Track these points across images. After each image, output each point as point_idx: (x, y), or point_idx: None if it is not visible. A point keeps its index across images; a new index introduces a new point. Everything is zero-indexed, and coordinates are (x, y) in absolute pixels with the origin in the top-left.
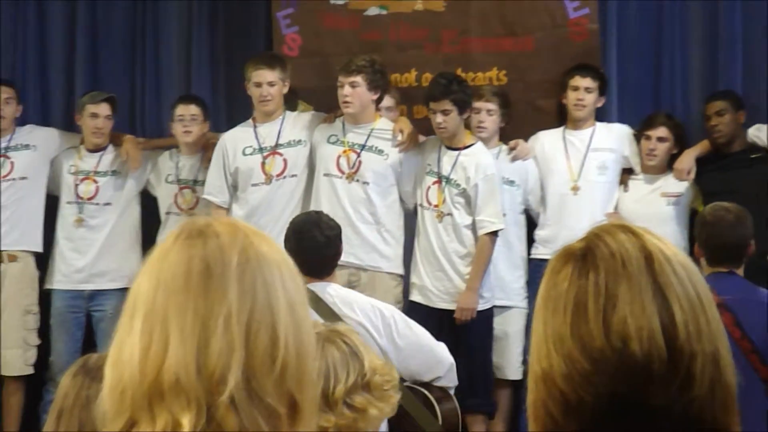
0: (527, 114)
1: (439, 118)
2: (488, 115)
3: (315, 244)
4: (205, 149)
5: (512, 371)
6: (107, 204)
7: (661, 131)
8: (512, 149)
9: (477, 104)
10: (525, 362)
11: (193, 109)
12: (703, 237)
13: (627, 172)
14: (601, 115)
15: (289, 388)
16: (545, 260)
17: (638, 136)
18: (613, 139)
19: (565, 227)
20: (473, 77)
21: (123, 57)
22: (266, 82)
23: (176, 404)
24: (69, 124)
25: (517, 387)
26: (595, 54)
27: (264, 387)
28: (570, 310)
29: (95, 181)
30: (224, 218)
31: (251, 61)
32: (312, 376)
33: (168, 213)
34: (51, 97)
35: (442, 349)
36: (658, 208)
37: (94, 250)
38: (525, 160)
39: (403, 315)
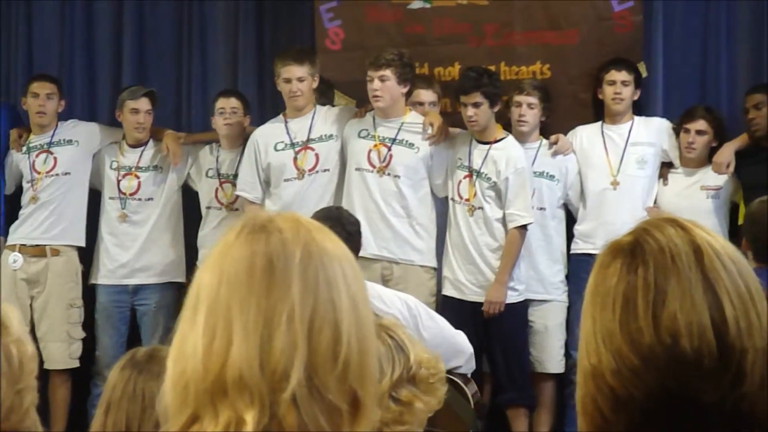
0: (571, 108)
1: (469, 111)
2: (529, 108)
3: None
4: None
5: (553, 365)
6: (149, 199)
7: (700, 124)
8: (553, 144)
9: (518, 98)
10: (566, 356)
11: (233, 103)
12: (752, 232)
13: (666, 166)
14: (646, 109)
15: (351, 384)
16: (585, 255)
17: (677, 130)
18: (651, 133)
19: (605, 222)
20: (516, 71)
21: (169, 53)
22: (295, 77)
23: (240, 401)
24: (116, 120)
25: (561, 380)
26: (637, 46)
27: (326, 384)
28: (619, 305)
29: (137, 177)
30: (287, 213)
31: (279, 57)
32: (374, 372)
33: (208, 207)
34: (98, 93)
35: (462, 338)
36: (697, 202)
37: (137, 245)
38: (566, 155)
39: (425, 306)
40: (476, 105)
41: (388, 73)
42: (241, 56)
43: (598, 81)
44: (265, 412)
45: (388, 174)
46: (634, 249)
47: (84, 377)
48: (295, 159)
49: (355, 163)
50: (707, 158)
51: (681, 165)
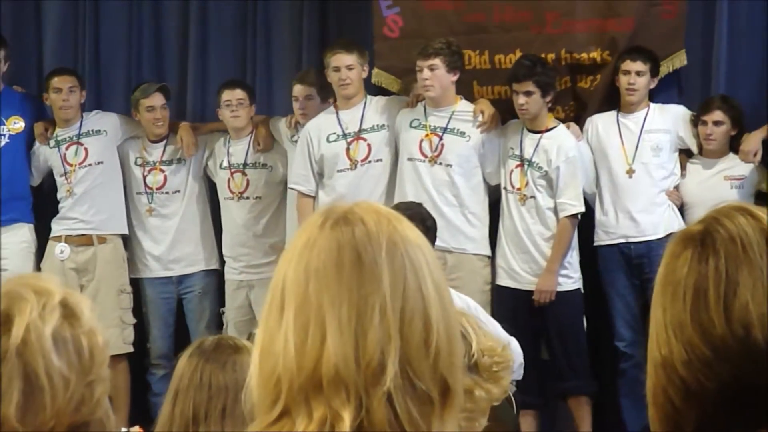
0: (612, 93)
1: (521, 100)
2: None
3: None
4: (254, 132)
5: None
6: (176, 192)
7: (717, 115)
8: None
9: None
10: (614, 349)
11: (238, 94)
12: None
13: (684, 153)
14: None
15: (442, 372)
16: (611, 246)
17: (695, 121)
18: (667, 120)
19: (622, 210)
20: (577, 58)
21: (234, 45)
22: (344, 65)
23: (336, 398)
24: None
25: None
26: (679, 34)
27: (419, 373)
28: (690, 296)
29: (162, 171)
30: (364, 203)
31: (329, 47)
32: (461, 359)
33: (225, 198)
34: None
35: (514, 345)
36: (722, 192)
37: (169, 238)
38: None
39: (482, 310)
40: (528, 93)
41: (437, 62)
42: (305, 51)
43: (616, 69)
44: (361, 407)
45: (440, 163)
46: (704, 238)
47: (141, 369)
48: (348, 149)
49: (407, 153)
50: (728, 147)
51: (701, 155)
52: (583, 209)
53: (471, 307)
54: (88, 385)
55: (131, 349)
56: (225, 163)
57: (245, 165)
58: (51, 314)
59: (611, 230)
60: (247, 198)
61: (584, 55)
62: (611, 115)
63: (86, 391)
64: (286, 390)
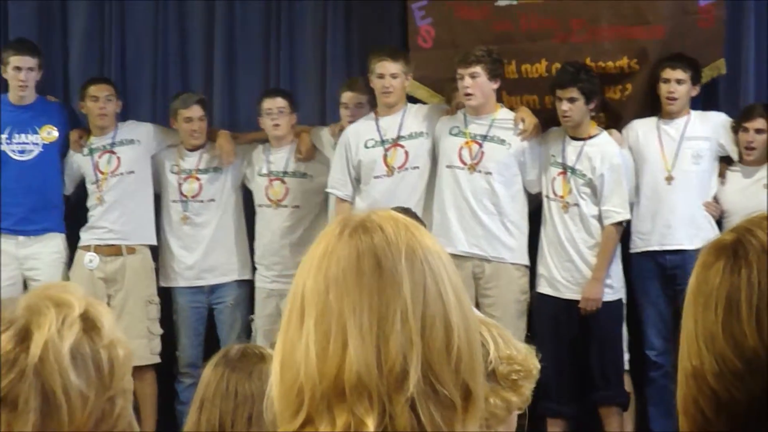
0: (648, 102)
1: (564, 106)
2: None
3: None
4: (295, 141)
5: None
6: (211, 200)
7: (759, 123)
8: None
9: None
10: (628, 351)
11: (279, 102)
12: None
13: (724, 161)
14: (735, 105)
15: (464, 377)
16: (646, 253)
17: (736, 128)
18: (708, 128)
19: (660, 218)
20: (603, 66)
21: (259, 53)
22: (389, 73)
23: (359, 405)
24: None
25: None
26: (718, 42)
27: (442, 378)
28: (722, 307)
29: (198, 179)
30: (381, 211)
31: (374, 53)
32: (481, 363)
33: (260, 206)
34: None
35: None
36: (761, 200)
37: (203, 247)
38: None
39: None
40: (571, 100)
41: (478, 69)
42: (329, 56)
43: (656, 77)
44: (385, 413)
45: (480, 171)
46: (736, 248)
47: (169, 377)
48: (385, 156)
49: (447, 161)
50: None
51: (741, 163)
52: (629, 216)
53: None
54: (108, 400)
55: (158, 360)
56: (264, 170)
57: (285, 173)
58: (70, 329)
59: (647, 238)
60: (285, 206)
61: (610, 64)
62: (651, 121)
63: (106, 407)
64: (309, 398)
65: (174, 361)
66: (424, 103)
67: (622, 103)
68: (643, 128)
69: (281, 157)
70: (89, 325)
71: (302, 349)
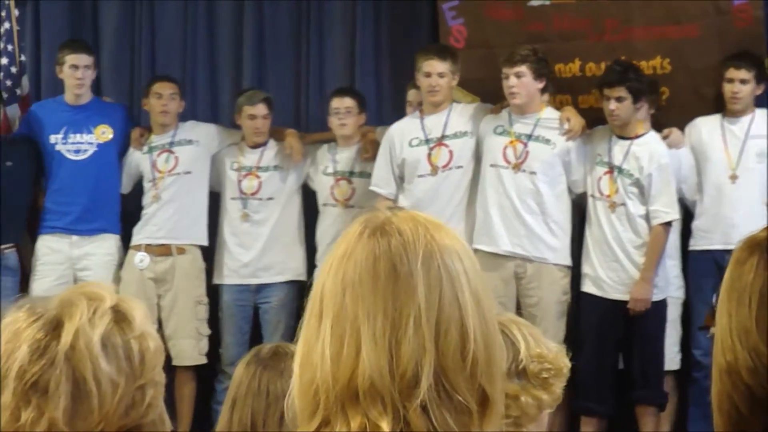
0: (691, 102)
1: (612, 105)
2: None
3: None
4: (361, 141)
5: (668, 361)
6: (270, 199)
7: None
8: (665, 138)
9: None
10: (683, 352)
11: (347, 102)
12: None
13: None
14: None
15: (480, 382)
16: (704, 252)
17: None
18: None
19: (723, 217)
20: (637, 66)
21: (288, 51)
22: (436, 72)
23: (373, 409)
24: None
25: (679, 378)
26: (760, 41)
27: (456, 384)
28: (755, 302)
29: (258, 177)
30: (403, 213)
31: (422, 51)
32: (501, 367)
33: (325, 205)
34: (220, 93)
35: None
36: None
37: (259, 245)
38: (678, 149)
39: None
40: (619, 99)
41: (523, 69)
42: (358, 56)
43: (722, 76)
44: (399, 417)
45: (524, 170)
46: None
47: (207, 375)
48: (429, 155)
49: (491, 160)
50: None
51: None
52: (677, 216)
53: None
54: (138, 388)
55: (205, 360)
56: (329, 170)
57: (351, 173)
58: (101, 319)
59: (709, 236)
60: (352, 206)
61: (643, 63)
62: (715, 119)
63: (137, 395)
64: (324, 400)
65: (214, 360)
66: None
67: (661, 107)
68: (706, 126)
69: (347, 157)
70: (120, 317)
71: (318, 351)
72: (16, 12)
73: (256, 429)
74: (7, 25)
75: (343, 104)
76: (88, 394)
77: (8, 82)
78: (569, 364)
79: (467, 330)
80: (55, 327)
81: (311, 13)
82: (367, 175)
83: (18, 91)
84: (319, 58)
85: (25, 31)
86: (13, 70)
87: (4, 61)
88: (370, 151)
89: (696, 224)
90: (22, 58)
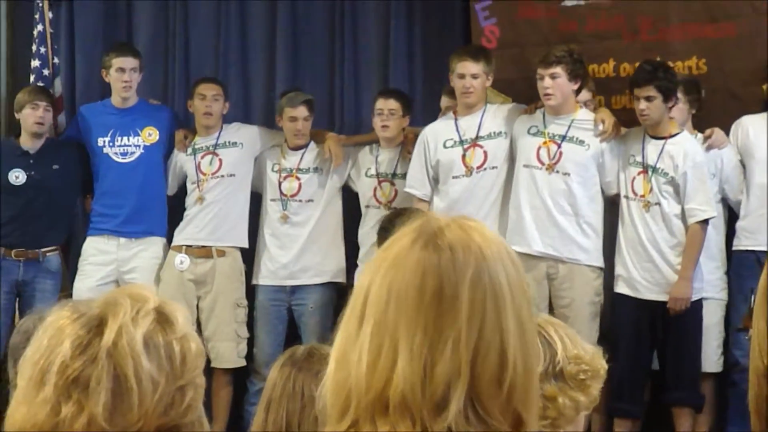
0: (727, 103)
1: (642, 105)
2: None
3: None
4: (404, 143)
5: (710, 364)
6: (309, 201)
7: None
8: (707, 138)
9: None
10: (725, 355)
11: (391, 104)
12: None
13: None
14: None
15: (516, 407)
16: (749, 252)
17: None
18: None
19: None
20: (672, 66)
21: (321, 53)
22: (470, 73)
23: (401, 423)
24: (270, 121)
25: (720, 380)
26: None
27: (489, 410)
28: None
29: (298, 179)
30: (458, 222)
31: (456, 53)
32: (537, 391)
33: (368, 206)
34: (252, 94)
35: None
36: None
37: (298, 246)
38: (721, 149)
39: None
40: (649, 99)
41: (558, 70)
42: (392, 56)
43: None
44: None
45: (557, 171)
46: None
47: (241, 375)
48: (464, 156)
49: (524, 160)
50: None
51: None
52: (714, 214)
53: None
54: (179, 389)
55: (244, 363)
56: (372, 171)
57: (394, 175)
58: (144, 319)
59: (754, 236)
60: (394, 209)
61: (679, 64)
62: (762, 117)
63: (176, 395)
64: (356, 404)
65: (247, 361)
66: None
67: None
68: (753, 125)
69: (390, 159)
70: (163, 318)
71: (356, 354)
72: (49, 14)
73: (291, 430)
74: (40, 27)
75: (387, 106)
76: (128, 391)
77: (41, 85)
78: (606, 366)
79: (507, 357)
80: (98, 324)
81: (344, 14)
82: None
83: (51, 92)
84: (352, 58)
85: (58, 33)
86: (46, 72)
87: (37, 63)
88: (412, 152)
89: (740, 224)
90: (56, 60)
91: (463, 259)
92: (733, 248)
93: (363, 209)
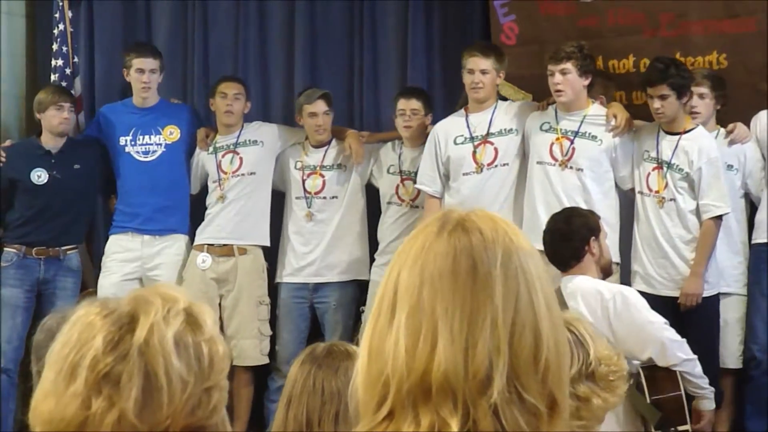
0: (749, 98)
1: (656, 104)
2: (700, 99)
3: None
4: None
5: (732, 360)
6: (333, 198)
7: None
8: (730, 132)
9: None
10: (745, 351)
11: (413, 104)
12: None
13: None
14: None
15: (551, 387)
16: (763, 245)
17: None
18: None
19: None
20: (692, 61)
21: (340, 51)
22: (479, 69)
23: (444, 406)
24: (289, 119)
25: (739, 376)
26: None
27: (528, 387)
28: None
29: (322, 176)
30: (480, 211)
31: (467, 49)
32: (568, 375)
33: (389, 203)
34: (271, 92)
35: (653, 327)
36: None
37: (323, 244)
38: (743, 144)
39: (631, 295)
40: (663, 97)
41: (569, 66)
42: (410, 55)
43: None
44: (468, 417)
45: (571, 167)
46: None
47: (262, 372)
48: (474, 153)
49: (537, 157)
50: None
51: None
52: (728, 210)
53: (607, 298)
54: (206, 390)
55: (266, 361)
56: (394, 169)
57: (417, 173)
58: (175, 318)
59: None
60: (417, 207)
61: (700, 59)
62: None
63: (204, 396)
64: (394, 392)
65: (271, 357)
66: (508, 100)
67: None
68: None
69: (415, 157)
70: (192, 319)
71: (391, 342)
72: (69, 14)
73: (312, 427)
74: (61, 26)
75: (408, 106)
76: (158, 389)
77: (63, 84)
78: (627, 366)
79: (541, 335)
80: (129, 321)
81: (364, 12)
82: None
83: (72, 93)
84: (371, 56)
85: (78, 32)
86: (68, 71)
87: (60, 62)
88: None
89: (759, 218)
90: (76, 59)
91: (493, 238)
92: (752, 241)
93: (384, 205)
